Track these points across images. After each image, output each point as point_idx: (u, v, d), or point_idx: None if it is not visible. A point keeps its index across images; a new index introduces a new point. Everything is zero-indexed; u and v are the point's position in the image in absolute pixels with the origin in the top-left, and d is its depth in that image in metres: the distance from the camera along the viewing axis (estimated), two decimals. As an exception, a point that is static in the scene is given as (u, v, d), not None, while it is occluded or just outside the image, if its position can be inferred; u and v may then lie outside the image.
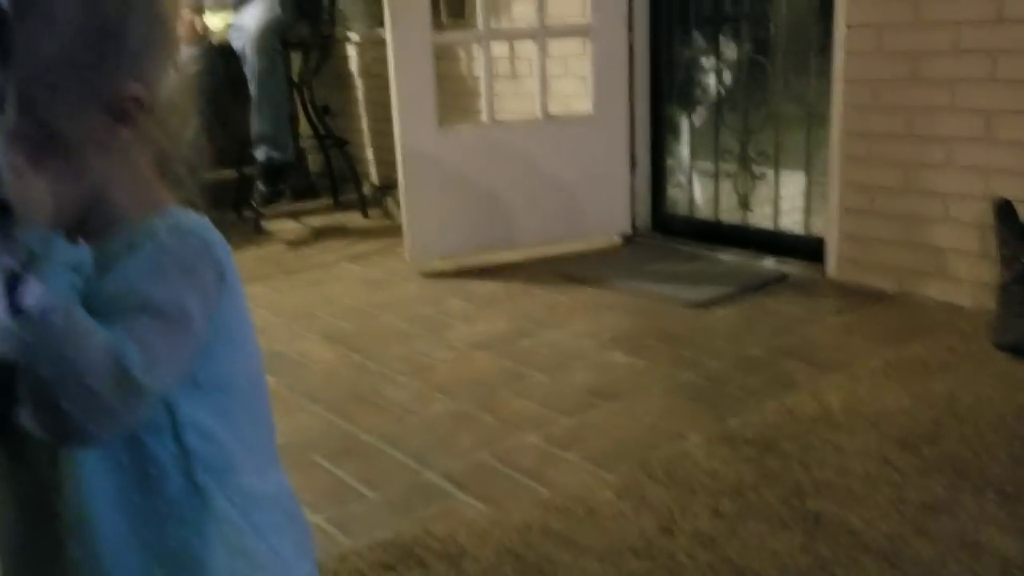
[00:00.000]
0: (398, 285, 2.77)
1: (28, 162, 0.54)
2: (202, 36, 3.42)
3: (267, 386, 0.73)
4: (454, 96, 3.33)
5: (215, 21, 3.40)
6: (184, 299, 0.59)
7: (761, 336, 2.20)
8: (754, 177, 2.91)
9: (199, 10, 3.43)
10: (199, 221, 0.63)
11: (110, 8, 0.57)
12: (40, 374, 0.51)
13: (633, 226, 3.06)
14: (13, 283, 0.41)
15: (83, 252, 0.56)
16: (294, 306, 2.61)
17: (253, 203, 3.44)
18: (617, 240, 3.06)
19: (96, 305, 0.55)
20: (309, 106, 3.66)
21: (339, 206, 3.88)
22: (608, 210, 3.01)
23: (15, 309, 0.42)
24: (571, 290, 2.62)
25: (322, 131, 3.73)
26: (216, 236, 0.63)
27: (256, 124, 3.30)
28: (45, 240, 0.54)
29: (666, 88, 3.07)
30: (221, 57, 3.41)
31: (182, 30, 3.41)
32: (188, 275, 0.60)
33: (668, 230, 3.09)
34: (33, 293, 0.45)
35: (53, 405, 0.52)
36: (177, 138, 0.65)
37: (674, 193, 3.16)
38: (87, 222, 0.60)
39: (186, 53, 3.42)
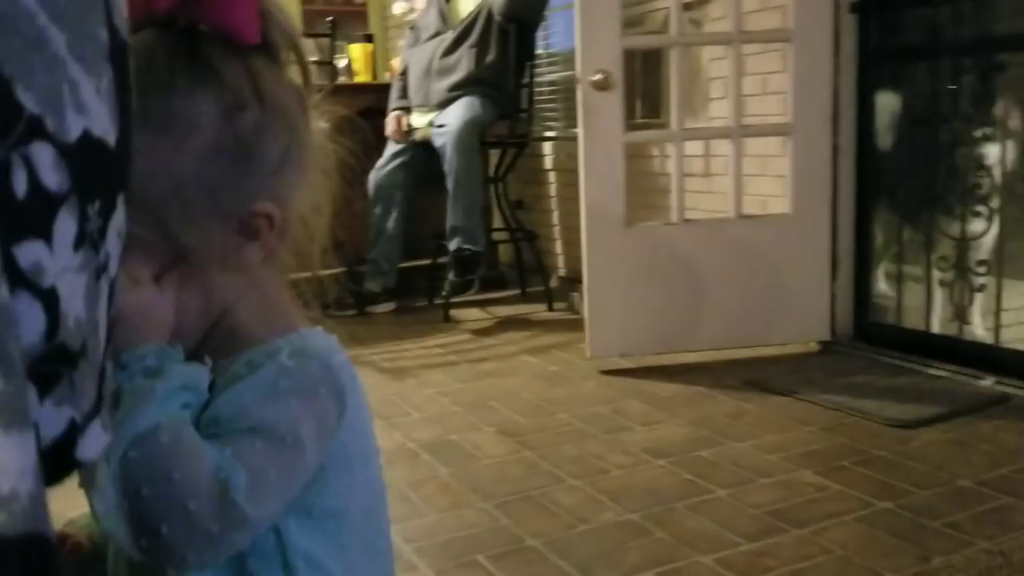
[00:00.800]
0: (577, 381, 2.72)
1: (155, 276, 0.54)
2: (406, 134, 3.61)
3: (387, 518, 0.68)
4: (644, 193, 3.30)
5: (419, 120, 3.58)
6: (299, 425, 0.56)
7: (975, 465, 1.95)
8: (972, 287, 2.65)
9: (406, 110, 3.64)
10: (325, 344, 0.61)
11: (245, 129, 0.57)
12: (142, 494, 0.49)
13: (832, 333, 2.87)
14: (72, 435, 0.38)
15: (201, 371, 0.55)
16: (472, 396, 2.61)
17: (443, 292, 3.53)
18: (814, 347, 2.87)
19: (209, 425, 0.53)
20: (503, 200, 3.75)
21: (526, 298, 3.92)
22: (805, 314, 2.83)
23: (76, 462, 0.38)
24: (759, 398, 2.47)
25: (513, 224, 3.81)
26: (341, 360, 0.61)
27: (451, 216, 3.42)
28: (163, 355, 0.54)
29: (872, 187, 2.89)
30: (422, 153, 3.58)
31: (389, 129, 3.63)
32: (306, 400, 0.57)
33: (871, 339, 2.87)
34: (94, 446, 0.41)
35: (153, 529, 0.50)
36: (312, 251, 0.64)
37: (879, 299, 2.94)
38: (212, 340, 0.59)
39: (391, 149, 3.63)
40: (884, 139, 2.89)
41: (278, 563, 0.58)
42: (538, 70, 3.96)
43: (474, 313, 3.68)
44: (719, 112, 3.13)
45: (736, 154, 2.76)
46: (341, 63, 3.48)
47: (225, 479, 0.52)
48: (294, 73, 0.61)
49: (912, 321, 2.83)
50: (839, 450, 2.10)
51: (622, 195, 2.72)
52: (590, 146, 2.69)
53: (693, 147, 3.12)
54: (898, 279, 2.89)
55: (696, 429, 2.26)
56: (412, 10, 3.95)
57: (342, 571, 0.61)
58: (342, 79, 3.54)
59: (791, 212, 2.78)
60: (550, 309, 3.67)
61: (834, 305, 2.87)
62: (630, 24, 2.87)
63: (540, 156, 4.11)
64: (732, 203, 2.78)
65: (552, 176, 4.09)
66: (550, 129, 4.16)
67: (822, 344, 2.88)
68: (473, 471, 2.07)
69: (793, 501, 1.84)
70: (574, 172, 3.87)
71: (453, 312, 3.58)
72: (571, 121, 4.04)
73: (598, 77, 2.63)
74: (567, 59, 4.08)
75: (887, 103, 2.88)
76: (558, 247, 4.09)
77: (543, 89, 4.12)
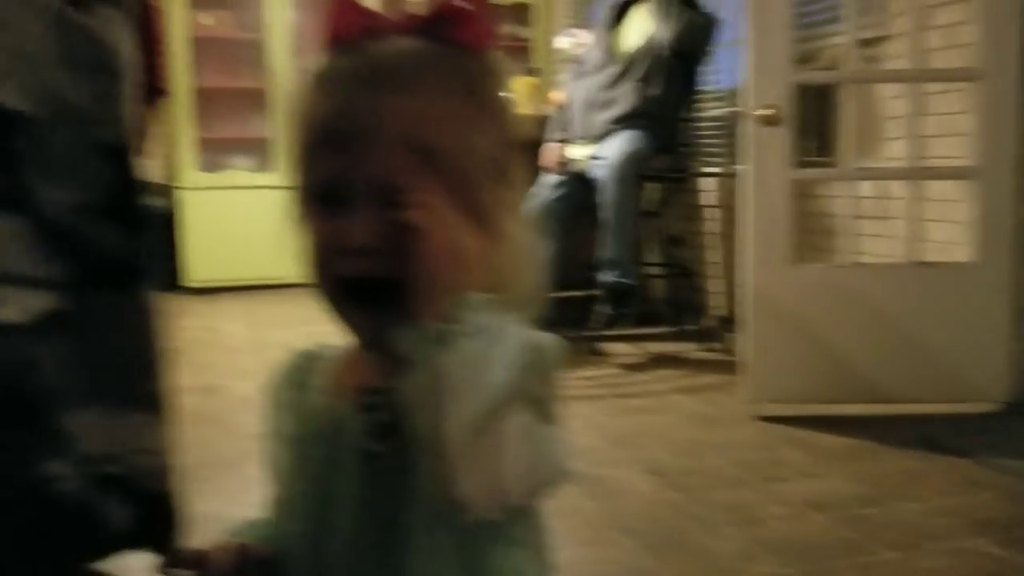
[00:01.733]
0: (731, 425, 2.62)
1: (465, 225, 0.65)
2: (564, 165, 3.63)
3: None
4: (809, 233, 3.17)
5: (580, 152, 3.59)
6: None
7: None
8: None
9: (566, 141, 3.67)
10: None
11: (506, 121, 0.69)
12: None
13: (1014, 392, 2.64)
14: None
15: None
16: (620, 432, 2.57)
17: (594, 324, 3.50)
18: (995, 407, 2.66)
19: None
20: (660, 235, 3.70)
21: (679, 335, 3.83)
22: (985, 371, 2.63)
23: None
24: (932, 458, 2.30)
25: (670, 260, 3.74)
26: None
27: (606, 249, 3.40)
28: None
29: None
30: (580, 185, 3.59)
31: (548, 160, 3.66)
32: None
33: (1059, 402, 2.63)
34: None
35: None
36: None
37: (1070, 360, 2.69)
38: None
39: (549, 180, 3.65)
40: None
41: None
42: (702, 106, 3.91)
43: (624, 348, 3.63)
44: (895, 153, 2.98)
45: (914, 196, 2.61)
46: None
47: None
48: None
49: (1109, 385, 2.58)
50: (1015, 520, 1.92)
51: (788, 233, 2.62)
52: (755, 181, 2.61)
53: (866, 188, 2.98)
54: (1094, 338, 2.64)
55: (860, 485, 2.13)
56: (579, 44, 3.98)
57: None
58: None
59: (973, 260, 2.60)
60: (705, 349, 3.57)
61: (1020, 363, 2.65)
62: (804, 60, 2.77)
63: (700, 192, 4.04)
64: (908, 249, 2.63)
65: (712, 213, 4.00)
66: (711, 165, 4.08)
67: (1003, 404, 2.66)
68: (619, 508, 2.03)
69: (966, 570, 1.69)
70: (735, 210, 3.78)
71: (603, 345, 3.55)
72: (733, 158, 3.95)
73: (767, 111, 2.56)
74: (732, 96, 4.01)
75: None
76: (716, 285, 3.99)
77: (706, 125, 4.05)
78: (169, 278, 4.78)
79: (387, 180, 0.61)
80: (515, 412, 0.57)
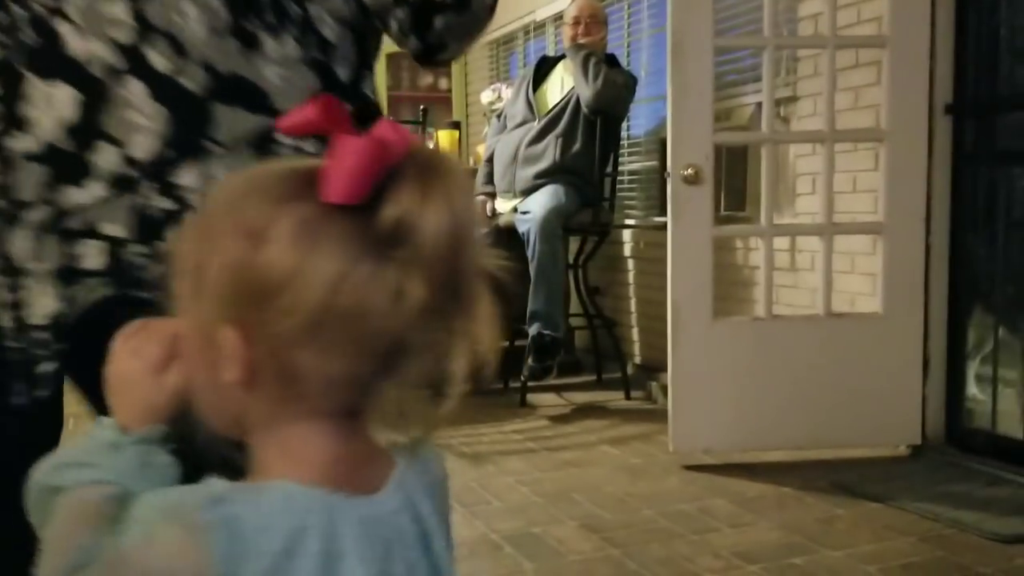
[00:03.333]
0: (660, 476, 2.67)
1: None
2: (490, 219, 3.68)
3: None
4: (725, 285, 3.28)
5: (504, 206, 3.65)
6: None
7: (1093, 591, 1.85)
8: (1075, 395, 2.56)
9: (491, 195, 3.72)
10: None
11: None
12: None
13: (923, 436, 2.78)
14: None
15: (135, 468, 0.63)
16: (553, 487, 2.58)
17: (522, 376, 3.53)
18: (903, 450, 2.79)
19: None
20: (581, 286, 3.77)
21: (602, 384, 3.89)
22: (894, 417, 2.76)
23: None
24: (851, 504, 2.39)
25: (591, 311, 3.81)
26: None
27: (532, 302, 3.44)
28: (120, 435, 0.62)
29: (966, 289, 2.83)
30: (504, 239, 3.64)
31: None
32: None
33: (965, 445, 2.77)
34: None
35: None
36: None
37: (973, 404, 2.85)
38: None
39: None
40: (978, 241, 2.84)
41: None
42: (621, 159, 4.01)
43: (550, 399, 3.67)
44: (805, 207, 3.12)
45: (827, 251, 2.74)
46: (429, 148, 3.59)
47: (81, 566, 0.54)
48: None
49: (1007, 427, 2.74)
50: (939, 564, 2.01)
51: (710, 288, 2.71)
52: (678, 238, 2.70)
53: (779, 241, 3.11)
54: (993, 383, 2.80)
55: (787, 534, 2.19)
56: (499, 99, 4.06)
57: None
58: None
59: (882, 311, 2.73)
60: (627, 397, 3.64)
61: (925, 408, 2.79)
62: (716, 118, 2.90)
63: (618, 244, 4.13)
64: (822, 300, 2.75)
65: (630, 264, 4.10)
66: (629, 217, 4.19)
67: (912, 448, 2.79)
68: (559, 568, 2.04)
69: (896, 619, 1.76)
70: (652, 260, 3.89)
71: (530, 397, 3.57)
72: (650, 210, 4.07)
73: (688, 171, 2.66)
74: (647, 148, 4.14)
75: (982, 205, 2.84)
76: (635, 334, 4.07)
77: (623, 178, 4.16)
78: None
79: None
80: None
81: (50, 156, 0.85)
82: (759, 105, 3.23)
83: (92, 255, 0.88)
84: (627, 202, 4.23)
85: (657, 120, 4.12)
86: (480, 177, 3.79)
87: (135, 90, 0.83)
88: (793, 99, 3.20)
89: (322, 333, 0.54)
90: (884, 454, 2.78)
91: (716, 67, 2.76)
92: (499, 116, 3.92)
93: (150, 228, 0.86)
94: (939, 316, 2.81)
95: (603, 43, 3.68)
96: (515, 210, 3.55)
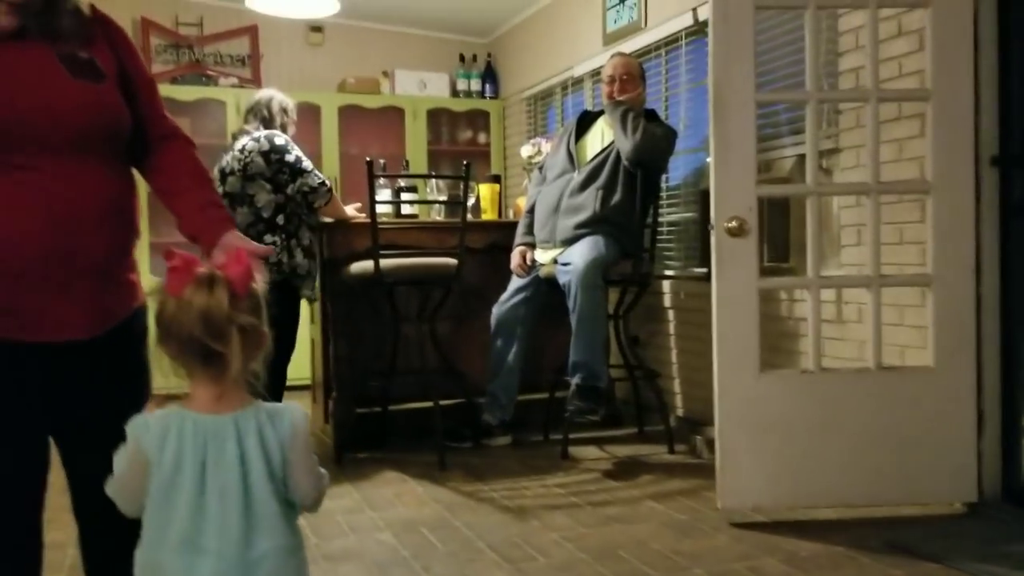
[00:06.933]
0: (708, 533, 2.62)
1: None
2: (530, 269, 3.69)
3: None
4: (771, 336, 3.25)
5: (544, 256, 3.65)
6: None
7: None
8: None
9: (531, 245, 3.73)
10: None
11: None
12: None
13: (979, 493, 2.70)
14: None
15: None
16: (599, 543, 2.54)
17: (564, 426, 3.50)
18: (959, 508, 2.71)
19: None
20: (622, 337, 3.75)
21: (644, 437, 3.85)
22: (949, 473, 2.69)
23: None
24: (907, 564, 2.32)
25: (633, 362, 3.78)
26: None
27: (574, 352, 3.42)
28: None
29: (1019, 340, 2.77)
30: (545, 289, 3.64)
31: (514, 264, 3.72)
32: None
33: (1022, 501, 2.69)
34: None
35: None
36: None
37: (1030, 460, 2.77)
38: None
39: (515, 284, 3.70)
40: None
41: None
42: (661, 210, 4.02)
43: (592, 451, 3.63)
44: (850, 259, 3.10)
45: (876, 303, 2.71)
46: (469, 202, 3.62)
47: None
48: None
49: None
50: (1004, 629, 1.94)
51: (756, 341, 2.68)
52: (723, 291, 2.68)
53: (825, 293, 3.08)
54: (1051, 438, 2.73)
55: (843, 595, 2.13)
56: (539, 152, 4.10)
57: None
58: (470, 217, 3.66)
59: (933, 364, 2.68)
60: (671, 451, 3.59)
61: (980, 464, 2.72)
62: (757, 171, 2.89)
63: (658, 294, 4.12)
64: (872, 353, 2.71)
65: (671, 314, 4.08)
66: (668, 268, 4.17)
67: (968, 505, 2.71)
68: (609, 628, 1.99)
69: None
70: (693, 311, 3.87)
71: (571, 449, 3.54)
72: (689, 260, 4.06)
73: (733, 224, 2.65)
74: (686, 199, 4.14)
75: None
76: (676, 386, 4.03)
77: (662, 228, 4.16)
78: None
79: None
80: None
81: None
82: (800, 157, 3.23)
83: None
84: (666, 253, 4.22)
85: (695, 171, 4.12)
86: (521, 227, 3.81)
87: None
88: (835, 151, 3.19)
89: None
90: (938, 512, 2.71)
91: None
92: (540, 168, 3.95)
93: None
94: (992, 368, 2.76)
95: (641, 98, 3.70)
96: (555, 261, 3.56)
